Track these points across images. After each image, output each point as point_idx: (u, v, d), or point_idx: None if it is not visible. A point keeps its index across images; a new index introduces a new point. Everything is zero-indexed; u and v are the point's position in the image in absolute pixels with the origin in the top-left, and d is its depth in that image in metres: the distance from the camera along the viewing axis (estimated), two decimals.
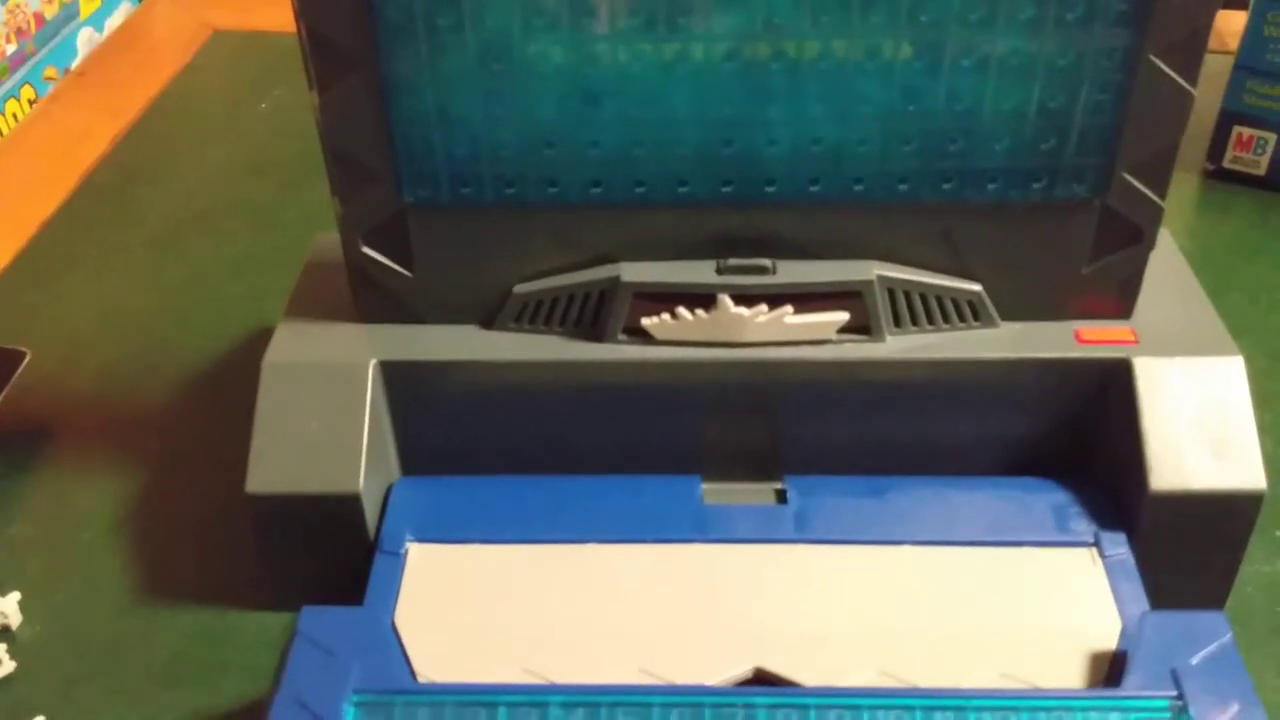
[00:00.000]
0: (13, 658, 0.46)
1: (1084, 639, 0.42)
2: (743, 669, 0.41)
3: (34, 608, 0.49)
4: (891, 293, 0.46)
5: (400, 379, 0.47)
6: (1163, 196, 0.45)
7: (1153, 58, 0.42)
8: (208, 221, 0.71)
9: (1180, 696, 0.39)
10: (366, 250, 0.47)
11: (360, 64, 0.42)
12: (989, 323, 0.47)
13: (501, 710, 0.39)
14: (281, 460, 0.45)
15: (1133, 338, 0.47)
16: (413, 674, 0.41)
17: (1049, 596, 0.43)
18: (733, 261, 0.46)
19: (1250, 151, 0.71)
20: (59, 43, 0.92)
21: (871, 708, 0.39)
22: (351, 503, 0.45)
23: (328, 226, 0.49)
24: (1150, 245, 0.46)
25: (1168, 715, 0.39)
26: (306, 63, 0.43)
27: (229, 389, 0.58)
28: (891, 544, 0.45)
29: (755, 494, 0.48)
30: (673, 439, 0.48)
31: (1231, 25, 0.73)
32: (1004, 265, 0.46)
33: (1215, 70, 0.55)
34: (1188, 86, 0.42)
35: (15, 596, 0.48)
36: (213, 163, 0.77)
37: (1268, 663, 0.46)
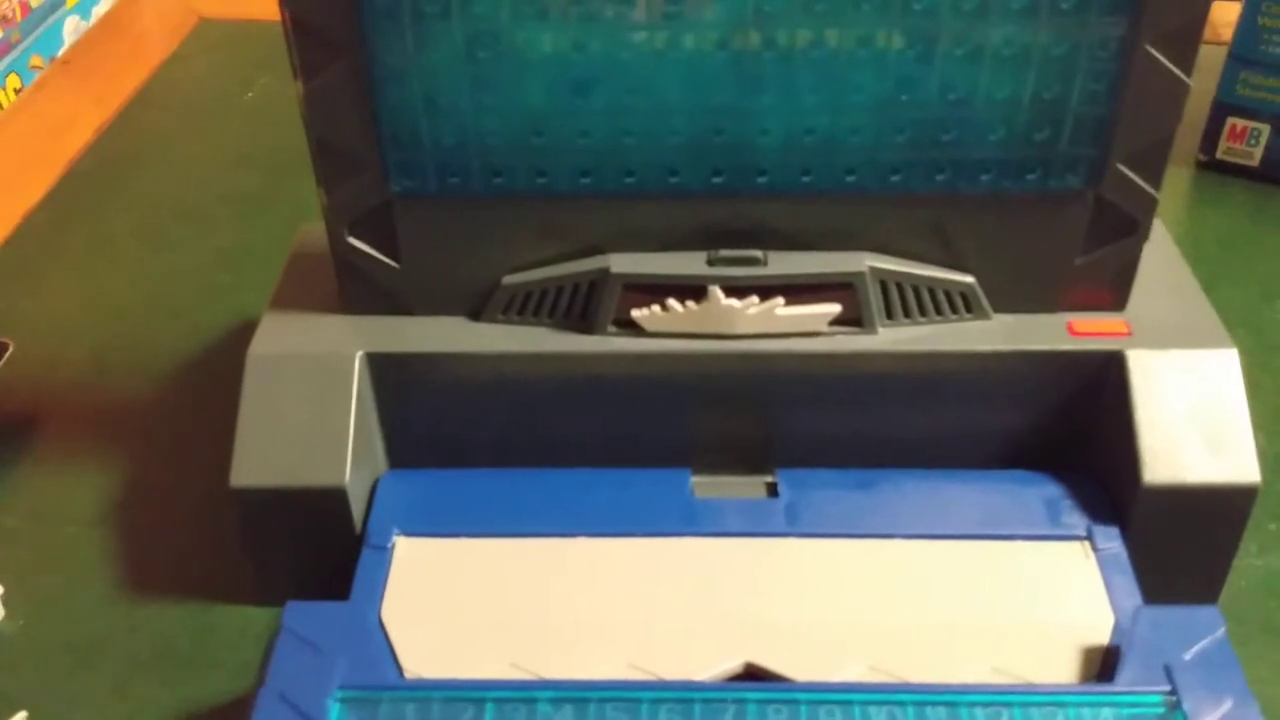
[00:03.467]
0: None
1: (1077, 633, 0.41)
2: (733, 663, 0.41)
3: (17, 601, 0.48)
4: (883, 284, 0.46)
5: (387, 371, 0.46)
6: (1157, 187, 0.44)
7: (1148, 47, 0.41)
8: (193, 211, 0.71)
9: (1174, 691, 0.38)
10: (352, 241, 0.46)
11: (346, 52, 0.42)
12: (981, 315, 0.47)
13: (489, 706, 0.38)
14: (266, 453, 0.45)
15: (1126, 330, 0.46)
16: (399, 670, 0.40)
17: (1041, 590, 0.43)
18: (723, 253, 0.45)
19: (1243, 143, 0.70)
20: (45, 30, 0.91)
21: (863, 703, 0.38)
22: (338, 496, 0.45)
23: (314, 217, 0.48)
24: (1144, 237, 0.46)
25: (1161, 710, 0.38)
26: (291, 51, 0.42)
27: (214, 381, 0.58)
28: (883, 537, 0.45)
29: (746, 487, 0.48)
30: (663, 432, 0.48)
31: (1225, 15, 0.72)
32: (997, 257, 0.46)
33: (1209, 61, 0.54)
34: (1183, 77, 0.42)
35: None
36: (199, 152, 0.76)
37: (1261, 657, 0.45)
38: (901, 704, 0.38)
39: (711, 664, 0.41)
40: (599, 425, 0.47)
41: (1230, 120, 0.70)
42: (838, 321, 0.46)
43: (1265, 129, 0.69)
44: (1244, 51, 0.68)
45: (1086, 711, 0.38)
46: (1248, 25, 0.67)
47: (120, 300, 0.64)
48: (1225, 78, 0.69)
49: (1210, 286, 0.50)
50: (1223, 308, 0.48)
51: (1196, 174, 0.72)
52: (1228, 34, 0.69)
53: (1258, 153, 0.70)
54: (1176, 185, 0.71)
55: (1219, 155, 0.71)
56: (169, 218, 0.70)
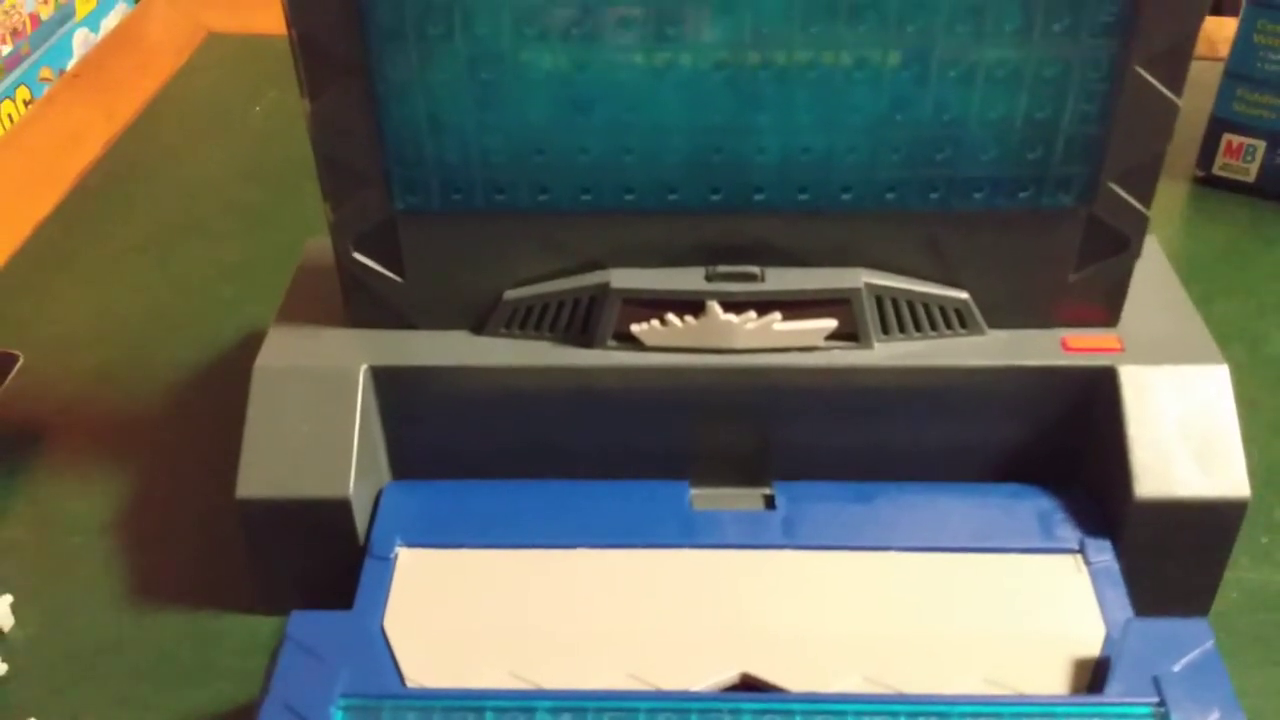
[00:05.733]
0: (4, 660, 0.47)
1: (1068, 645, 0.42)
2: (729, 674, 0.42)
3: (25, 610, 0.49)
4: (879, 300, 0.46)
5: (391, 384, 0.47)
6: (1148, 206, 0.45)
7: (1138, 68, 0.42)
8: (201, 225, 0.71)
9: (1162, 703, 0.39)
10: (357, 256, 0.47)
11: (351, 70, 0.43)
12: (976, 330, 0.47)
13: (489, 715, 0.39)
14: (272, 465, 0.45)
15: (1119, 345, 0.47)
16: (401, 679, 0.41)
17: (1034, 603, 0.44)
18: (722, 269, 0.46)
19: (1240, 159, 0.71)
20: (54, 43, 0.92)
21: (857, 713, 0.39)
22: (341, 507, 0.45)
23: (320, 230, 0.49)
24: (1136, 254, 0.46)
25: None
26: (298, 69, 0.43)
27: (221, 393, 0.58)
28: (878, 550, 0.46)
29: (744, 499, 0.48)
30: (662, 444, 0.48)
31: (1222, 32, 0.73)
32: (991, 273, 0.47)
33: (1205, 77, 0.55)
34: (1173, 97, 0.43)
35: (7, 599, 0.48)
36: (207, 166, 0.77)
37: (1250, 669, 0.46)
38: (895, 714, 0.39)
39: (708, 674, 0.41)
40: (599, 438, 0.48)
41: (1226, 136, 0.71)
42: (834, 336, 0.47)
43: (1261, 145, 0.70)
44: (1240, 68, 0.69)
45: None
46: (1244, 42, 0.68)
47: (128, 313, 0.65)
48: (1221, 94, 0.70)
49: (1206, 301, 0.50)
50: (1219, 322, 0.49)
51: (1193, 189, 0.72)
52: (1224, 50, 0.70)
53: (1254, 168, 0.71)
54: (1173, 200, 0.71)
55: (1215, 171, 0.72)
56: (177, 231, 0.71)
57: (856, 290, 0.46)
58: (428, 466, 0.49)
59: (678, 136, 0.44)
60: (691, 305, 0.46)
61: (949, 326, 0.47)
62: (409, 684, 0.41)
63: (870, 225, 0.46)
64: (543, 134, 0.44)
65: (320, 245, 0.50)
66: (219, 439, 0.53)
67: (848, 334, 0.47)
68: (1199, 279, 0.63)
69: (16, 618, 0.48)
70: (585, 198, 0.45)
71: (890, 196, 0.45)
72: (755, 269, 0.46)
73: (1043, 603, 0.44)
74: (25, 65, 0.89)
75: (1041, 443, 0.48)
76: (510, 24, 0.42)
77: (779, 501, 0.47)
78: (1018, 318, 0.47)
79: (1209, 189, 0.72)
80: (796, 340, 0.46)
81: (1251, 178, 0.71)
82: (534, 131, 0.44)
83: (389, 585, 0.44)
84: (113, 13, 0.99)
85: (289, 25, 0.42)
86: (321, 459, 0.46)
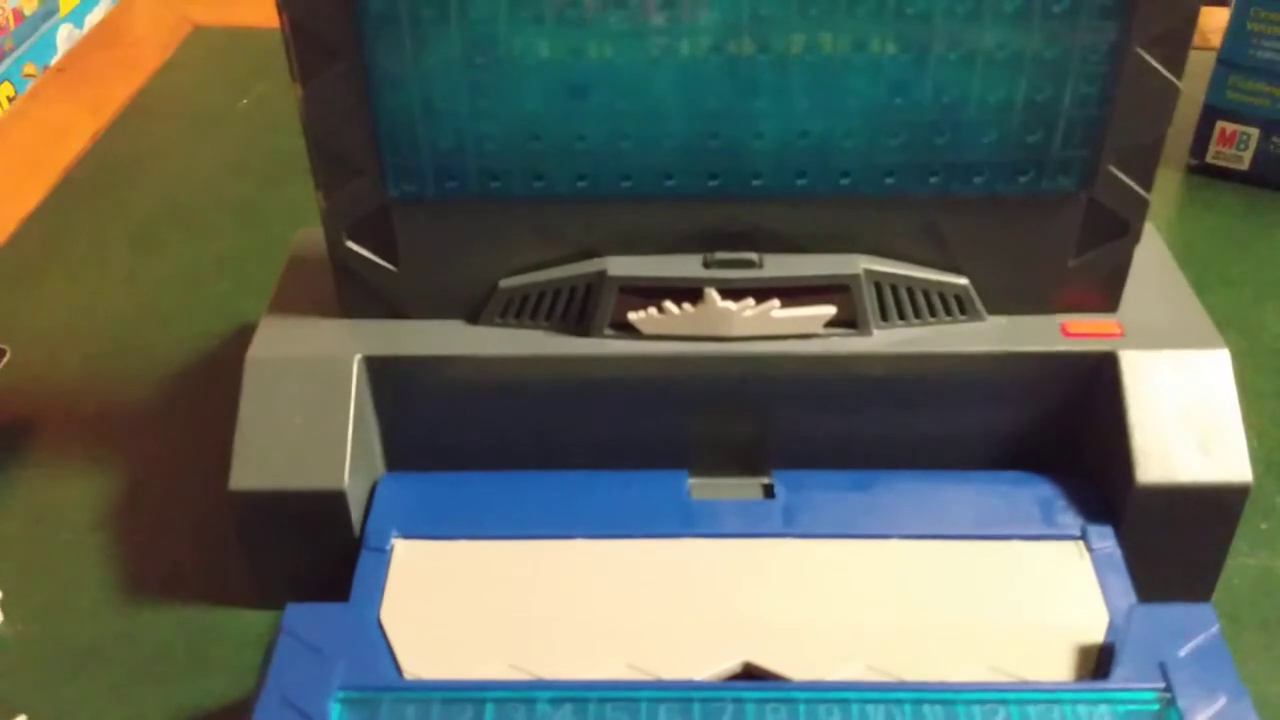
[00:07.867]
0: None
1: (1072, 632, 0.42)
2: (731, 663, 0.41)
3: (16, 606, 0.48)
4: (878, 287, 0.46)
5: (385, 374, 0.47)
6: (1148, 190, 0.45)
7: (1139, 50, 0.42)
8: (189, 218, 0.71)
9: (1168, 688, 0.39)
10: (350, 245, 0.46)
11: (344, 56, 0.42)
12: (976, 316, 0.47)
13: (489, 706, 0.39)
14: (265, 457, 0.45)
15: (1119, 331, 0.47)
16: (399, 671, 0.40)
17: (1037, 590, 0.43)
18: (719, 255, 0.46)
19: (1233, 146, 0.71)
20: (38, 39, 0.91)
21: (860, 701, 0.39)
22: (336, 499, 0.45)
23: (309, 223, 0.48)
24: (1136, 238, 0.46)
25: (1156, 707, 0.39)
26: (289, 55, 0.43)
27: (212, 385, 0.58)
28: (879, 538, 0.45)
29: (742, 489, 0.48)
30: (660, 434, 0.48)
31: (1214, 21, 0.73)
32: (990, 259, 0.46)
33: (1198, 66, 0.55)
34: (1173, 79, 0.42)
35: None
36: (194, 159, 0.76)
37: (1254, 654, 0.46)
38: (899, 702, 0.39)
39: (710, 664, 0.41)
40: (596, 427, 0.48)
41: (1220, 124, 0.71)
42: (833, 323, 0.46)
43: (1254, 133, 0.70)
44: (1233, 56, 0.69)
45: (1082, 709, 0.38)
46: (1236, 30, 0.68)
47: (116, 306, 0.64)
48: (1214, 82, 0.70)
49: (1201, 288, 0.50)
50: (1214, 309, 0.49)
51: (1187, 177, 0.72)
52: (1216, 39, 0.70)
53: (1247, 156, 0.71)
54: (1167, 189, 0.71)
55: (1209, 159, 0.72)
56: (165, 225, 0.70)
57: (855, 277, 0.46)
58: (423, 458, 0.48)
59: (675, 122, 0.44)
60: (689, 293, 0.46)
61: (948, 313, 0.47)
62: (407, 676, 0.40)
63: (869, 211, 0.45)
64: (538, 120, 0.44)
65: (310, 235, 0.50)
66: (210, 432, 0.53)
67: (847, 321, 0.46)
68: (1193, 267, 0.63)
69: (6, 613, 0.48)
70: (581, 184, 0.45)
71: (889, 181, 0.45)
72: (753, 256, 0.46)
73: (1045, 590, 0.43)
74: (8, 61, 0.88)
75: (1042, 429, 0.48)
76: (505, 8, 0.41)
77: (778, 490, 0.47)
78: (1018, 303, 0.47)
79: (1202, 177, 0.72)
80: (795, 327, 0.46)
81: (1245, 165, 0.71)
82: (529, 118, 0.44)
83: (385, 577, 0.44)
84: (97, 8, 0.98)
85: (280, 9, 0.42)
86: (316, 450, 0.45)
